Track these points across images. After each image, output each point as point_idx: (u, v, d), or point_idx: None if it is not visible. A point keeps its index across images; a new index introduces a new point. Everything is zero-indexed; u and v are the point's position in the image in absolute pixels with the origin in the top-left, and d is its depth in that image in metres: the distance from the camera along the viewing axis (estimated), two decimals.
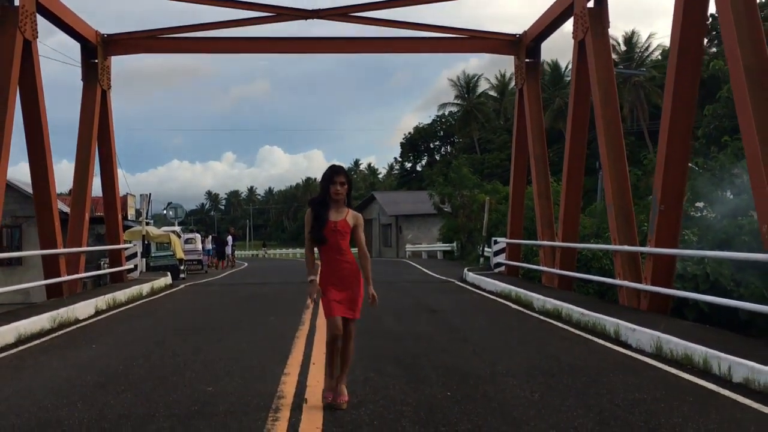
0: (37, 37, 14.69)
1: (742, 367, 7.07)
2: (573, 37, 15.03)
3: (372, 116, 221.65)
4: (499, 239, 21.72)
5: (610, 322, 10.31)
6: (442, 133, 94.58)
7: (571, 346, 9.62)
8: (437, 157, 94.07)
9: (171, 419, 5.89)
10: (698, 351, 7.91)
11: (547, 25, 17.34)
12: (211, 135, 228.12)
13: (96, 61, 18.41)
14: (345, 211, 6.27)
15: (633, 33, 66.20)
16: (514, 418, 5.88)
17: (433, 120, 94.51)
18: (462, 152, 79.20)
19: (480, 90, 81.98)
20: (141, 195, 28.39)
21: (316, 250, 6.34)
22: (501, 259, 21.03)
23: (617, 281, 12.97)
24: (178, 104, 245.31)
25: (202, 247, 34.08)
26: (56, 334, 11.21)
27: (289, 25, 17.62)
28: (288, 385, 7.05)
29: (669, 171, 10.99)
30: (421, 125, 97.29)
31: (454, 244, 38.68)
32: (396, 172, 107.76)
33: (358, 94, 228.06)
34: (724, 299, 10.65)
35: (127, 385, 7.32)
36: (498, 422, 5.75)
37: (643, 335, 9.22)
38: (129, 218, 34.55)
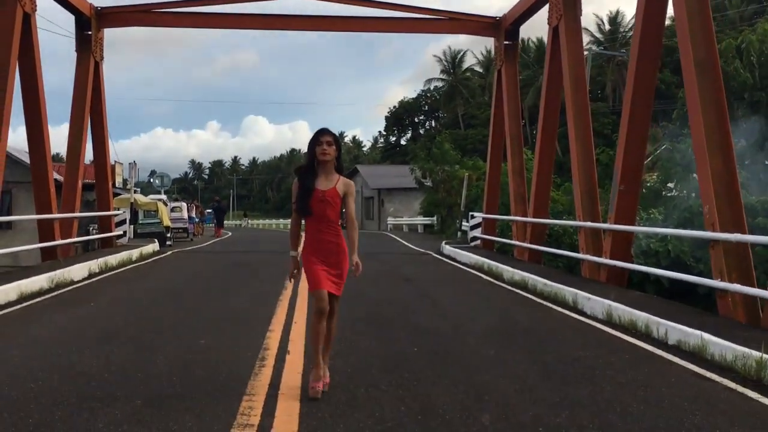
0: (35, 10, 15.30)
1: (676, 331, 7.98)
2: (548, 23, 15.82)
3: (359, 88, 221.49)
4: (475, 214, 22.61)
5: (569, 291, 11.21)
6: (426, 107, 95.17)
7: (532, 312, 10.55)
8: (422, 132, 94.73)
9: (169, 366, 6.72)
10: (641, 317, 8.82)
11: (525, 9, 18.10)
12: (195, 103, 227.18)
13: (89, 33, 19.01)
14: (335, 179, 5.77)
15: (618, 13, 67.04)
16: (470, 369, 6.76)
17: (418, 95, 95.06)
18: (446, 127, 79.87)
19: (466, 65, 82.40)
20: (129, 164, 28.98)
21: (303, 223, 5.88)
22: (477, 233, 21.92)
23: (580, 255, 13.90)
24: (164, 72, 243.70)
25: (188, 216, 34.78)
26: (55, 294, 11.99)
27: (278, 3, 18.17)
28: (272, 340, 7.89)
29: (628, 154, 11.86)
30: (406, 99, 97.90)
31: (435, 218, 39.52)
32: (381, 145, 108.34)
33: (345, 66, 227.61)
34: (667, 272, 11.67)
35: (126, 337, 8.16)
36: (455, 371, 6.62)
37: (596, 303, 10.13)
38: (116, 186, 35.14)
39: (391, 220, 47.11)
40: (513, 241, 18.50)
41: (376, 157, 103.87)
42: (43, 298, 11.48)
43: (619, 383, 6.30)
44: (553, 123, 16.54)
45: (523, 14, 18.52)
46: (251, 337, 8.04)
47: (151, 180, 40.37)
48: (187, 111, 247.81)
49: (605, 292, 10.83)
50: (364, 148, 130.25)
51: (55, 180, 19.36)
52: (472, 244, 22.05)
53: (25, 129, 15.78)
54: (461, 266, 17.57)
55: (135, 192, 28.47)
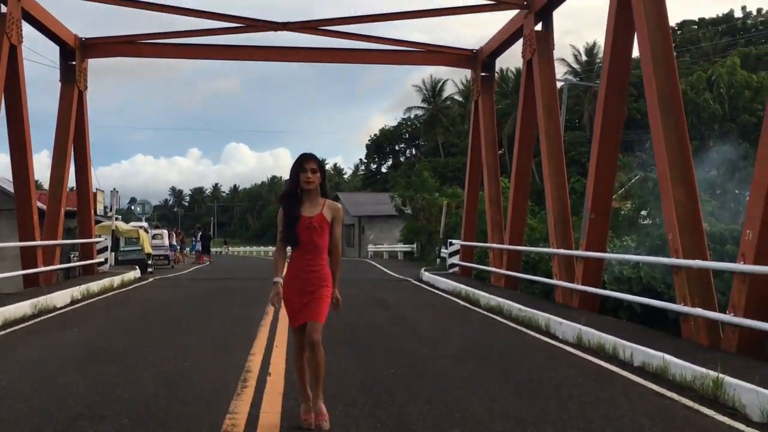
0: (22, 41, 15.61)
1: (641, 353, 8.34)
2: (522, 57, 16.35)
3: (341, 116, 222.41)
4: (454, 241, 22.99)
5: (542, 316, 11.57)
6: (407, 135, 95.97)
7: (505, 336, 10.91)
8: (402, 160, 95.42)
9: (155, 385, 6.99)
10: (609, 340, 9.18)
11: (501, 43, 18.64)
12: (176, 130, 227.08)
13: (74, 63, 19.32)
14: (321, 203, 5.54)
15: (594, 44, 68.24)
16: (443, 388, 7.08)
17: (399, 123, 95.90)
18: (426, 155, 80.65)
19: (446, 94, 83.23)
20: (111, 191, 29.17)
21: (289, 251, 5.68)
22: (455, 260, 22.29)
23: (554, 281, 14.29)
24: (144, 98, 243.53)
25: (169, 243, 34.93)
26: (39, 320, 12.18)
27: (259, 35, 18.58)
28: (254, 363, 8.17)
29: (598, 184, 12.31)
30: (386, 128, 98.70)
31: (415, 246, 39.91)
32: (362, 173, 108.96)
33: (327, 94, 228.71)
34: (634, 297, 12.10)
35: (112, 360, 8.41)
36: (429, 390, 6.94)
37: (567, 328, 10.49)
38: (97, 213, 35.26)
39: (371, 247, 47.45)
40: (490, 268, 18.87)
41: (357, 185, 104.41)
42: (27, 324, 11.66)
43: (583, 402, 6.64)
44: (527, 152, 17.01)
45: (498, 47, 19.07)
46: (234, 359, 8.31)
47: (132, 207, 40.55)
48: (168, 138, 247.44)
49: (577, 317, 11.18)
50: (345, 176, 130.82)
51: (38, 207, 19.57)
52: (451, 270, 22.42)
53: (10, 157, 16.01)
54: (439, 292, 17.91)
55: (116, 219, 28.62)
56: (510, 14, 17.32)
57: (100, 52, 20.07)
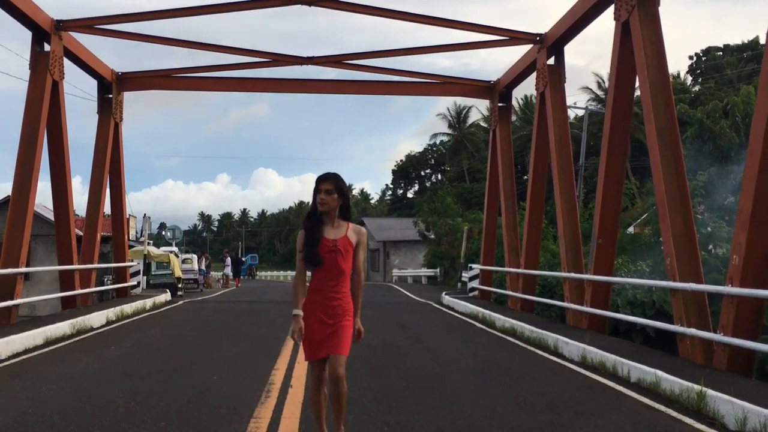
0: (63, 77, 16.63)
1: (637, 370, 8.94)
2: (535, 89, 17.07)
3: (368, 141, 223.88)
4: (473, 266, 23.62)
5: (551, 337, 12.18)
6: (433, 161, 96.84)
7: (514, 355, 11.53)
8: (428, 185, 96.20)
9: (186, 396, 7.73)
10: (610, 359, 9.78)
11: (516, 76, 19.40)
12: (206, 156, 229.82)
13: (110, 96, 20.36)
14: (344, 226, 5.29)
15: None
16: (449, 399, 7.75)
17: (425, 149, 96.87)
18: (452, 181, 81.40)
19: (471, 120, 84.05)
20: (143, 217, 30.20)
21: (308, 277, 5.35)
22: (475, 284, 22.91)
23: (564, 303, 14.88)
24: (175, 124, 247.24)
25: (198, 268, 35.87)
26: (77, 339, 13.01)
27: (288, 68, 19.51)
28: (277, 377, 8.89)
29: (605, 211, 12.95)
30: (412, 153, 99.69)
31: (438, 270, 40.50)
32: (389, 198, 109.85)
33: (355, 119, 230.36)
34: (640, 319, 12.64)
35: (147, 374, 9.18)
36: (436, 401, 7.62)
37: (573, 347, 11.10)
38: (129, 238, 36.39)
39: (396, 272, 48.08)
40: (507, 291, 19.47)
41: (383, 210, 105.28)
42: (67, 342, 12.49)
43: (576, 412, 7.28)
44: (542, 180, 17.65)
45: (514, 80, 19.81)
46: (258, 374, 9.03)
47: (163, 233, 41.66)
48: (198, 163, 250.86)
49: (583, 337, 11.80)
50: (372, 201, 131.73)
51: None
52: (471, 294, 23.02)
53: (51, 186, 16.97)
54: (458, 315, 18.52)
55: (148, 244, 29.60)
56: (525, 48, 18.07)
57: (135, 86, 21.09)
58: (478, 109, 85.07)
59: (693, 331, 9.72)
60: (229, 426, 6.37)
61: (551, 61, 16.58)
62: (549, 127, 16.06)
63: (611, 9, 12.71)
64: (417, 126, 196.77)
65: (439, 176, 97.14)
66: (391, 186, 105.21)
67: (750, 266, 8.64)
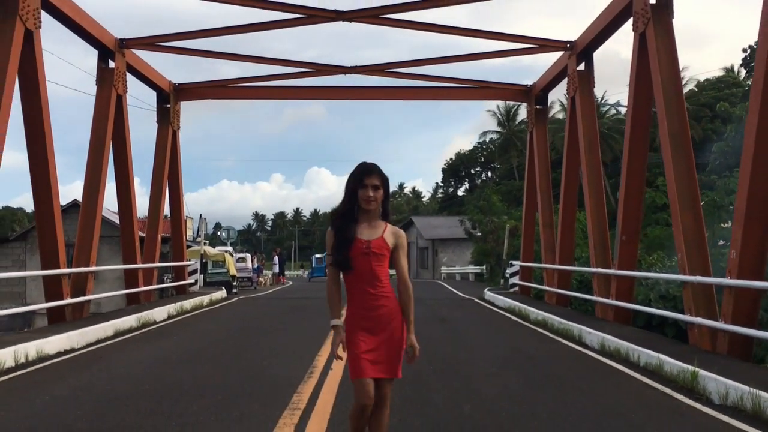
0: (126, 91, 18.07)
1: (645, 355, 9.83)
2: (567, 94, 17.93)
3: (421, 139, 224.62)
4: (514, 262, 24.50)
5: (576, 327, 13.08)
6: (482, 159, 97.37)
7: (540, 344, 12.47)
8: (478, 183, 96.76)
9: (240, 376, 8.91)
10: (624, 346, 10.67)
11: (549, 81, 20.25)
12: (261, 156, 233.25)
13: (168, 106, 21.80)
14: (381, 227, 4.62)
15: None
16: (468, 380, 8.78)
17: (474, 146, 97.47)
18: (501, 179, 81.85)
19: (520, 118, 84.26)
20: (200, 217, 31.77)
21: (342, 281, 4.68)
22: (516, 280, 23.79)
23: (592, 297, 15.75)
24: (231, 125, 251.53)
25: (252, 266, 37.38)
26: (142, 331, 14.34)
27: (338, 77, 20.68)
28: (320, 362, 9.99)
29: (628, 210, 13.80)
30: (462, 152, 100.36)
31: (484, 267, 41.35)
32: (440, 196, 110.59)
33: (407, 118, 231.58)
34: (653, 309, 13.48)
35: (205, 360, 10.41)
36: (458, 382, 8.64)
37: (594, 336, 11.99)
38: (187, 239, 38.12)
39: (444, 269, 49.05)
40: (543, 287, 20.35)
41: (434, 208, 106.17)
42: (133, 334, 13.83)
43: (580, 390, 8.25)
44: (574, 180, 18.47)
45: (548, 84, 20.66)
46: (303, 360, 10.16)
47: (218, 233, 43.36)
48: (253, 164, 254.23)
49: (604, 327, 12.69)
50: (424, 199, 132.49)
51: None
52: (512, 290, 23.90)
53: (116, 193, 18.46)
54: (497, 309, 19.46)
55: (204, 244, 31.14)
56: (558, 54, 18.95)
57: (190, 96, 22.51)
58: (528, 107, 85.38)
59: (699, 320, 10.57)
60: (275, 398, 7.49)
61: (581, 67, 17.41)
62: (579, 131, 16.90)
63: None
64: (469, 123, 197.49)
65: (489, 174, 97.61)
66: (442, 184, 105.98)
67: (746, 260, 9.47)
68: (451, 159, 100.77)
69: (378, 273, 4.54)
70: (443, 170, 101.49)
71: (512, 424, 6.60)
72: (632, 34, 13.38)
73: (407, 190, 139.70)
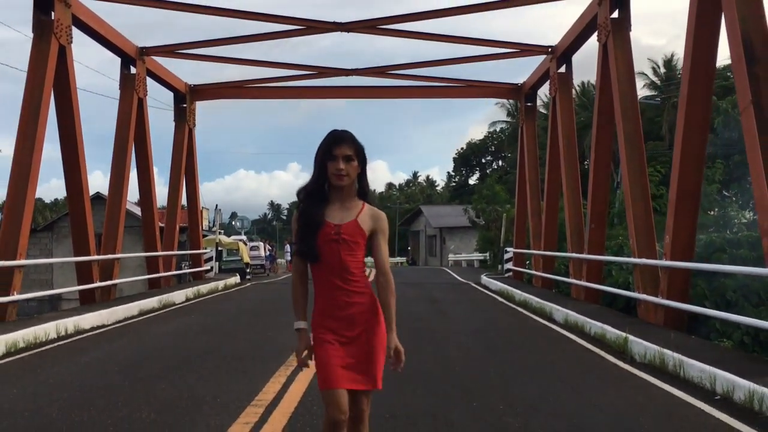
0: (147, 94, 19.82)
1: (595, 326, 11.40)
2: (549, 94, 19.51)
3: (436, 128, 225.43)
4: (508, 249, 26.13)
5: (548, 306, 14.70)
6: (493, 148, 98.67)
7: (514, 320, 14.14)
8: (488, 172, 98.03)
9: (248, 343, 10.65)
10: (581, 320, 12.24)
11: (537, 80, 21.81)
12: (278, 145, 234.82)
13: (185, 106, 23.56)
14: (357, 207, 3.85)
15: (672, 56, 69.34)
16: (441, 347, 10.43)
17: (485, 136, 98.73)
18: (512, 167, 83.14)
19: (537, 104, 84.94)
20: (216, 207, 33.62)
21: (310, 272, 3.94)
22: (510, 265, 25.44)
23: (568, 279, 17.38)
24: (249, 116, 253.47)
25: (264, 254, 39.20)
26: (164, 311, 16.11)
27: (335, 78, 22.32)
28: None
29: (595, 200, 15.40)
30: (473, 141, 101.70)
31: (488, 254, 42.93)
32: (453, 185, 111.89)
33: (424, 107, 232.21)
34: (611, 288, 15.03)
35: (219, 333, 12.17)
36: (431, 348, 10.24)
37: (560, 313, 13.60)
38: (203, 228, 40.01)
39: (451, 257, 50.73)
40: (531, 271, 21.99)
41: (446, 197, 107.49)
42: (156, 313, 15.60)
43: (531, 352, 9.95)
44: (557, 172, 19.91)
45: (536, 83, 22.22)
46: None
47: (233, 223, 45.27)
48: (270, 153, 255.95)
49: (570, 305, 14.33)
50: (438, 188, 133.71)
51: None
52: (506, 275, 25.54)
53: (138, 187, 20.32)
54: (488, 292, 21.09)
55: (219, 233, 32.95)
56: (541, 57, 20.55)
57: (205, 96, 24.27)
58: (538, 96, 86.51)
59: (644, 296, 12.20)
60: (276, 359, 9.18)
61: (562, 69, 18.97)
62: (558, 129, 18.49)
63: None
64: (483, 113, 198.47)
65: (500, 162, 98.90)
66: (453, 173, 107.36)
67: (677, 244, 11.09)
68: (462, 148, 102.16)
69: (348, 264, 3.75)
70: (454, 159, 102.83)
71: (464, 375, 8.29)
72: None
73: (421, 179, 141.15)
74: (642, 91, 55.37)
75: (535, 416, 6.29)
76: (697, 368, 7.76)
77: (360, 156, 3.80)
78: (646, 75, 67.00)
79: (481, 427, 5.97)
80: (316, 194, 3.83)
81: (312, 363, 3.88)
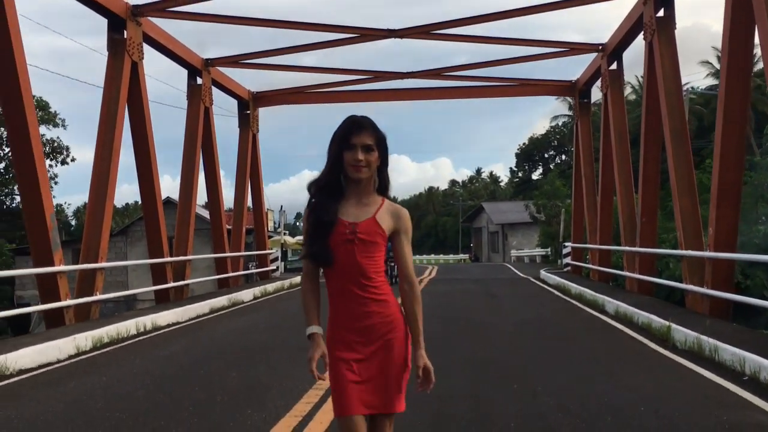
0: (212, 103, 20.84)
1: (642, 317, 11.86)
2: (601, 90, 19.86)
3: (500, 123, 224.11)
4: (566, 244, 26.44)
5: (601, 299, 15.12)
6: (555, 143, 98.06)
7: (566, 312, 14.62)
8: (551, 167, 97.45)
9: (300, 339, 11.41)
10: (630, 311, 12.66)
11: (589, 77, 22.09)
12: None
13: (248, 112, 24.58)
14: (376, 204, 3.35)
15: None
16: (490, 336, 11.06)
17: (547, 131, 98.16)
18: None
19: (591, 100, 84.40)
20: (280, 208, 34.71)
21: (322, 276, 3.41)
22: (568, 260, 25.77)
23: (623, 272, 17.71)
24: (313, 115, 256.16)
25: None
26: (233, 308, 17.06)
27: (391, 82, 23.03)
28: None
29: (646, 195, 15.74)
30: (535, 136, 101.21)
31: (549, 249, 43.11)
32: (517, 180, 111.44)
33: (487, 101, 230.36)
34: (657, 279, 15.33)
35: (284, 328, 12.99)
36: (481, 337, 10.90)
37: (611, 305, 14.03)
38: (269, 230, 41.27)
39: (514, 252, 50.98)
40: (588, 265, 22.32)
41: (509, 193, 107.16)
42: (226, 311, 16.55)
43: (575, 341, 10.46)
44: (610, 167, 20.23)
45: (589, 79, 22.47)
46: None
47: (298, 223, 46.44)
48: None
49: (625, 298, 14.73)
50: (502, 184, 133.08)
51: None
52: (565, 269, 25.88)
53: (206, 192, 21.43)
54: (545, 287, 21.53)
55: (284, 235, 34.04)
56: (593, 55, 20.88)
57: (267, 102, 25.29)
58: (599, 88, 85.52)
59: (691, 287, 12.57)
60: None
61: (613, 66, 19.29)
62: (610, 125, 18.84)
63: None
64: (548, 107, 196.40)
65: (563, 157, 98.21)
66: (516, 169, 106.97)
67: (721, 235, 11.45)
68: (524, 144, 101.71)
69: (366, 267, 3.26)
70: (516, 155, 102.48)
71: (508, 361, 8.90)
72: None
73: (485, 175, 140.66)
74: (707, 81, 54.84)
75: (569, 396, 6.85)
76: (729, 352, 8.21)
77: (381, 146, 3.32)
78: (711, 64, 66.26)
79: (518, 405, 6.57)
80: (330, 188, 3.32)
81: (326, 375, 3.31)
